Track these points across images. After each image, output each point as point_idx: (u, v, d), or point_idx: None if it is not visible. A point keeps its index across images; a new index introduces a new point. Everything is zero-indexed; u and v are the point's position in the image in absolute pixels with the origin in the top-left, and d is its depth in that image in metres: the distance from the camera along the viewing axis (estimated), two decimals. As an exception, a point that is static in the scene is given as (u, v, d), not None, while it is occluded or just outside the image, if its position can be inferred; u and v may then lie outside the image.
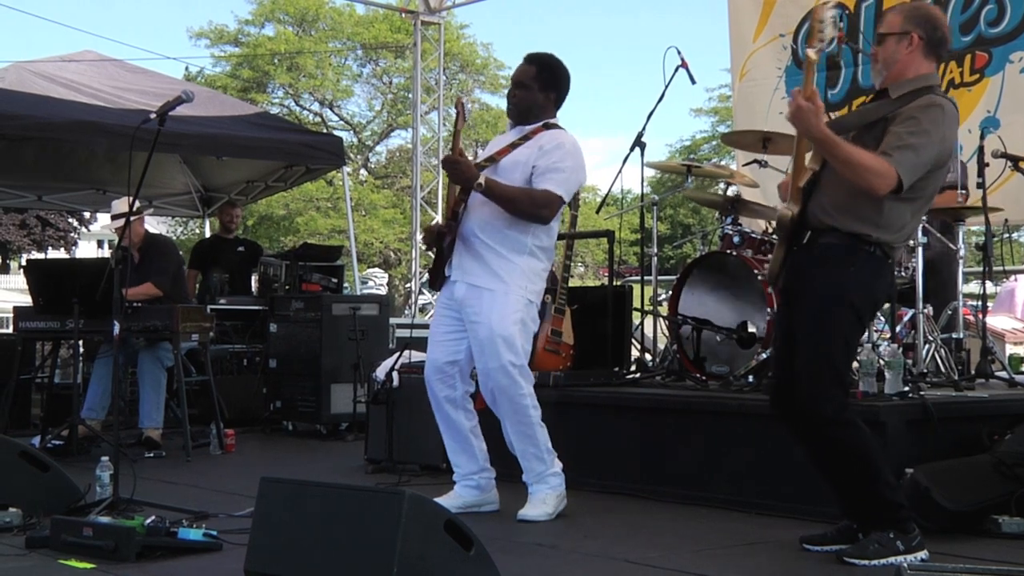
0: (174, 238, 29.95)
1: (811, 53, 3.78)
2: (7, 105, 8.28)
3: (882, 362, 5.00)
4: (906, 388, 4.97)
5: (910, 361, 5.47)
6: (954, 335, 6.09)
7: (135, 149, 5.02)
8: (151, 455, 6.79)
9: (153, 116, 4.87)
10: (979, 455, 4.66)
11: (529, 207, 4.72)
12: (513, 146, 4.81)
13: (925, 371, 5.58)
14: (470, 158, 4.87)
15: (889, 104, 3.97)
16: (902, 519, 3.92)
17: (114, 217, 7.37)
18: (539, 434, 4.81)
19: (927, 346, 5.70)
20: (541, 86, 4.83)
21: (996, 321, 7.51)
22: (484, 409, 4.99)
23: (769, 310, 5.85)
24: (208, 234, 11.59)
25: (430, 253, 5.09)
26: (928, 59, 4.01)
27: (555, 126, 4.86)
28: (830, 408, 3.92)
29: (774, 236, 6.40)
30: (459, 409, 4.91)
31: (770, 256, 6.19)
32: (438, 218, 12.78)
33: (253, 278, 9.69)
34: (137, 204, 7.06)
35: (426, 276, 14.43)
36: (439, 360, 4.89)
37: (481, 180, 4.65)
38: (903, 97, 3.95)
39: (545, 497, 4.79)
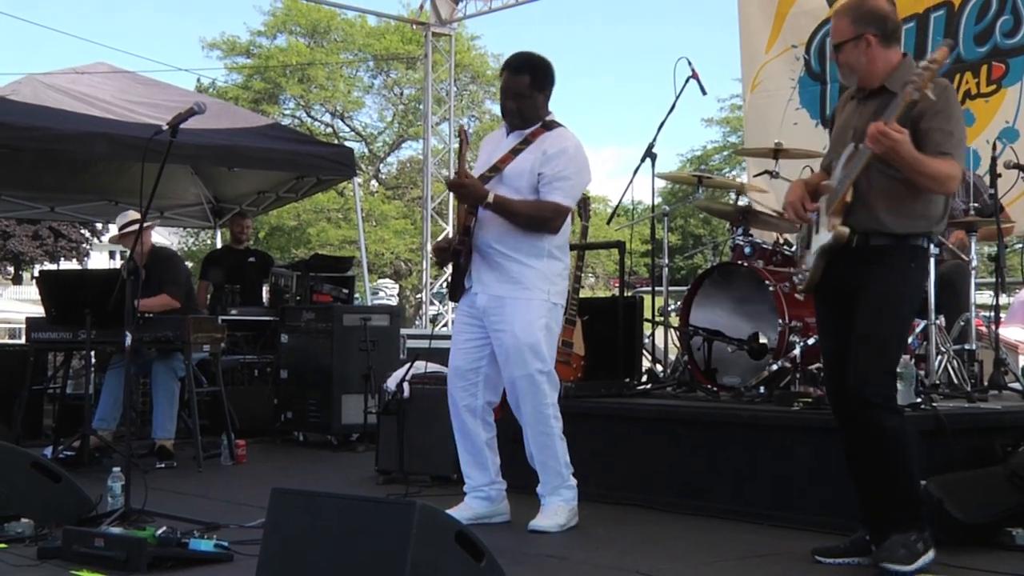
0: (185, 249, 30.08)
1: (909, 91, 3.78)
2: (20, 117, 8.33)
3: (895, 373, 4.98)
4: (918, 399, 4.94)
5: (922, 372, 5.46)
6: (967, 346, 6.07)
7: (147, 160, 5.02)
8: (162, 465, 6.80)
9: (165, 128, 4.89)
10: (992, 467, 4.64)
11: (538, 220, 4.72)
12: (515, 152, 4.79)
13: (938, 382, 5.55)
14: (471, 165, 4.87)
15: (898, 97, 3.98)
16: (922, 518, 3.99)
17: (121, 228, 7.38)
18: (559, 446, 4.80)
19: (939, 357, 5.68)
20: (538, 90, 4.82)
21: (1009, 332, 7.47)
22: (502, 419, 4.99)
23: (780, 321, 5.84)
24: (219, 245, 11.61)
25: (446, 270, 5.09)
26: (891, 48, 4.11)
27: (554, 124, 4.85)
28: (882, 393, 3.99)
29: (786, 247, 6.42)
30: (477, 419, 4.89)
31: (782, 268, 6.22)
32: (448, 230, 12.79)
33: (264, 289, 9.71)
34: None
35: (436, 287, 14.48)
36: (461, 367, 4.88)
37: (490, 198, 4.65)
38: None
39: (557, 509, 4.78)
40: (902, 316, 4.12)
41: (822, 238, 4.11)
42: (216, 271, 9.68)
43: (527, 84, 4.79)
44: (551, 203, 4.70)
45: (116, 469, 4.86)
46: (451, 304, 14.57)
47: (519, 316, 4.69)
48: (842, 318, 4.11)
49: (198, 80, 28.14)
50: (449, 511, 4.48)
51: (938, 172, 3.91)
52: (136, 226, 6.90)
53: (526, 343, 4.68)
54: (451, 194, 13.70)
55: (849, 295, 4.07)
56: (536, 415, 4.75)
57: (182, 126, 4.94)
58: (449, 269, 5.01)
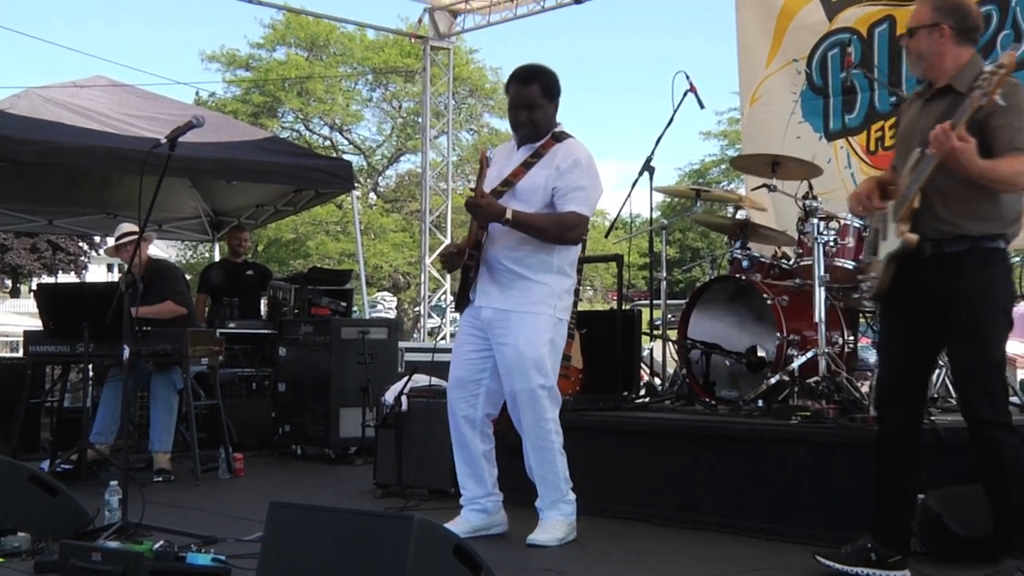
0: (183, 262, 30.07)
1: (977, 96, 3.72)
2: (19, 131, 8.33)
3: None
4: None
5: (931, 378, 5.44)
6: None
7: (146, 173, 5.03)
8: (160, 479, 6.78)
9: (164, 141, 4.89)
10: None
11: (558, 232, 4.72)
12: (527, 165, 4.77)
13: (935, 396, 5.55)
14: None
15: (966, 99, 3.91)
16: None
17: (117, 239, 7.37)
18: (558, 461, 4.79)
19: (937, 370, 5.68)
20: (549, 98, 4.80)
21: (1008, 346, 7.46)
22: (500, 431, 4.99)
23: (778, 334, 5.85)
24: (217, 258, 11.62)
25: (447, 275, 5.11)
26: (963, 46, 4.05)
27: (564, 135, 4.83)
28: (998, 409, 3.92)
29: (784, 261, 6.42)
30: (476, 431, 4.88)
31: (780, 281, 6.22)
32: (447, 241, 12.79)
33: (262, 302, 9.71)
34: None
35: (434, 300, 14.48)
36: (463, 378, 4.87)
37: (508, 215, 4.62)
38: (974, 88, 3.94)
39: (556, 523, 4.77)
40: (998, 323, 3.98)
41: (890, 244, 4.01)
42: (217, 272, 9.70)
43: (538, 93, 4.77)
44: (570, 213, 4.70)
45: (113, 483, 4.85)
46: (449, 317, 14.60)
47: (524, 330, 4.69)
48: (913, 326, 4.05)
49: (197, 93, 28.18)
50: (446, 525, 4.48)
51: (1007, 172, 3.82)
52: (133, 238, 6.92)
53: (530, 357, 4.67)
54: (450, 206, 13.84)
55: (926, 306, 4.00)
56: (536, 429, 4.74)
57: (180, 139, 4.95)
58: (449, 281, 5.01)
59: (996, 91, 3.71)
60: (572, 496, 4.84)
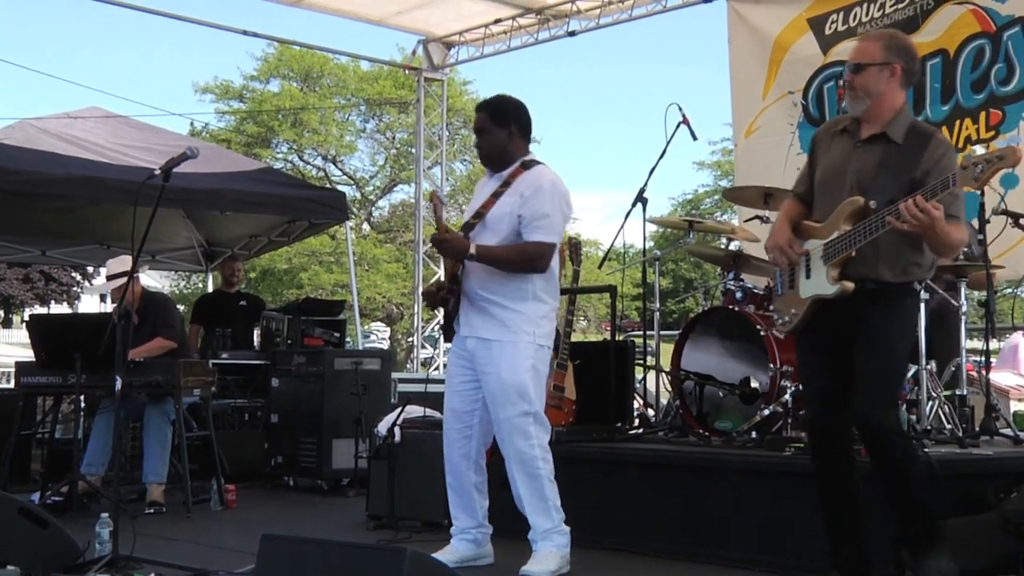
0: (176, 292, 30.04)
1: (971, 181, 3.81)
2: (12, 161, 8.32)
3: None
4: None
5: (913, 417, 5.46)
6: (958, 392, 6.06)
7: (139, 204, 5.03)
8: (151, 511, 6.75)
9: (158, 172, 4.90)
10: (985, 514, 4.62)
11: (523, 263, 4.78)
12: (496, 195, 4.85)
13: (929, 428, 5.55)
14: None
15: (901, 151, 4.04)
16: (940, 532, 4.09)
17: (109, 278, 7.35)
18: (548, 489, 4.79)
19: (931, 403, 5.68)
20: (499, 124, 4.89)
21: (1000, 377, 7.47)
22: (493, 462, 4.98)
23: (772, 366, 5.84)
24: (211, 288, 11.60)
25: (437, 314, 5.18)
26: (903, 90, 4.15)
27: (532, 163, 4.90)
28: (894, 419, 4.12)
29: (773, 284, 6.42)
30: (470, 462, 4.93)
31: (772, 313, 6.22)
32: (440, 274, 12.78)
33: (255, 332, 9.69)
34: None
35: (428, 331, 14.45)
36: (458, 409, 4.92)
37: (472, 250, 4.72)
38: (910, 140, 4.05)
39: (549, 554, 4.76)
40: (900, 350, 4.20)
41: (818, 287, 4.13)
42: (209, 302, 9.66)
43: (485, 119, 4.91)
44: (533, 243, 4.76)
45: (104, 515, 4.83)
46: (443, 348, 14.56)
47: (505, 358, 4.73)
48: (835, 356, 4.17)
49: (191, 124, 28.25)
50: (435, 554, 4.48)
51: (957, 239, 4.01)
52: (122, 281, 6.90)
53: (512, 384, 4.71)
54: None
55: (843, 335, 4.13)
56: (522, 456, 4.75)
57: (174, 170, 4.96)
58: (442, 312, 5.05)
59: (988, 180, 3.79)
60: (566, 528, 4.83)
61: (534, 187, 4.78)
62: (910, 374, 5.62)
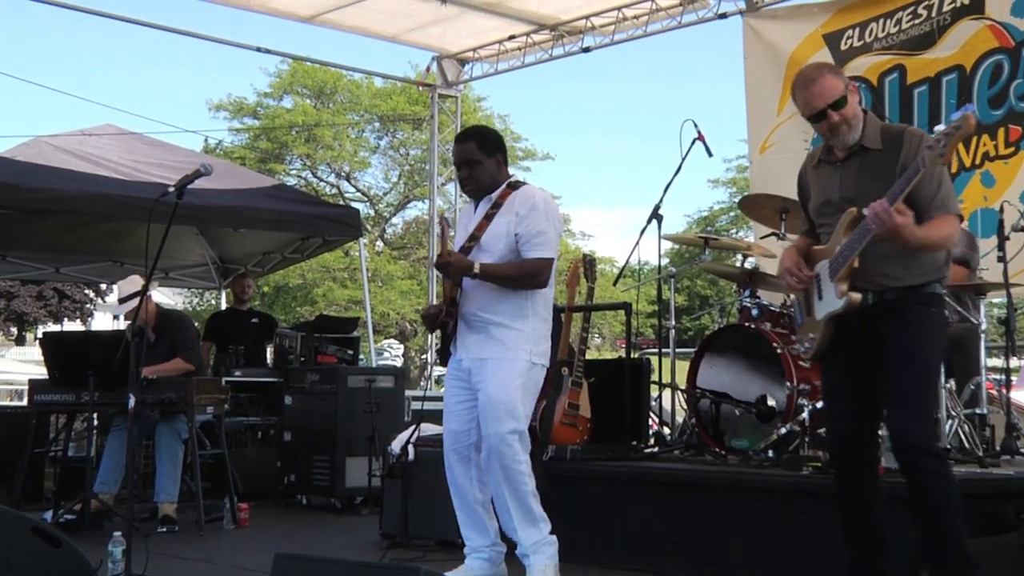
0: (190, 309, 30.12)
1: (929, 157, 3.78)
2: (26, 179, 8.37)
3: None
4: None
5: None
6: (978, 411, 6.04)
7: (153, 222, 5.05)
8: (164, 530, 6.75)
9: (172, 189, 4.92)
10: (1006, 534, 4.59)
11: (524, 278, 4.87)
12: (488, 217, 4.94)
13: (948, 447, 5.52)
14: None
15: (881, 156, 4.08)
16: (970, 561, 3.98)
17: (121, 300, 7.35)
18: (532, 502, 4.81)
19: (950, 422, 5.65)
20: (488, 153, 4.97)
21: (1020, 396, 7.44)
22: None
23: (789, 384, 5.83)
24: (224, 306, 11.63)
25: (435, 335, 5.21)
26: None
27: (518, 183, 5.02)
28: (931, 438, 4.06)
29: (791, 309, 6.41)
30: (473, 481, 4.95)
31: (790, 330, 6.20)
32: (431, 298, 12.79)
33: (268, 350, 9.71)
34: (143, 282, 7.11)
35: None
36: (456, 429, 4.96)
37: (476, 269, 4.81)
38: (887, 142, 4.10)
39: (544, 568, 4.76)
40: (933, 365, 4.15)
41: (829, 305, 4.13)
42: (222, 320, 9.68)
43: (473, 149, 4.96)
44: (533, 259, 4.86)
45: (117, 533, 4.83)
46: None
47: (499, 375, 4.79)
48: (860, 377, 4.13)
49: (205, 140, 28.37)
50: (448, 573, 4.47)
51: (939, 236, 4.00)
52: (134, 303, 6.92)
53: (500, 401, 4.76)
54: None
55: (869, 352, 4.09)
56: (507, 473, 4.77)
57: (188, 187, 4.98)
58: (437, 335, 5.12)
59: (952, 153, 3.78)
60: (553, 537, 4.83)
61: (528, 206, 4.89)
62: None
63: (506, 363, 4.80)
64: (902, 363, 4.01)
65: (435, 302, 5.10)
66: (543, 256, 4.86)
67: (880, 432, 4.31)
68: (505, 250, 4.88)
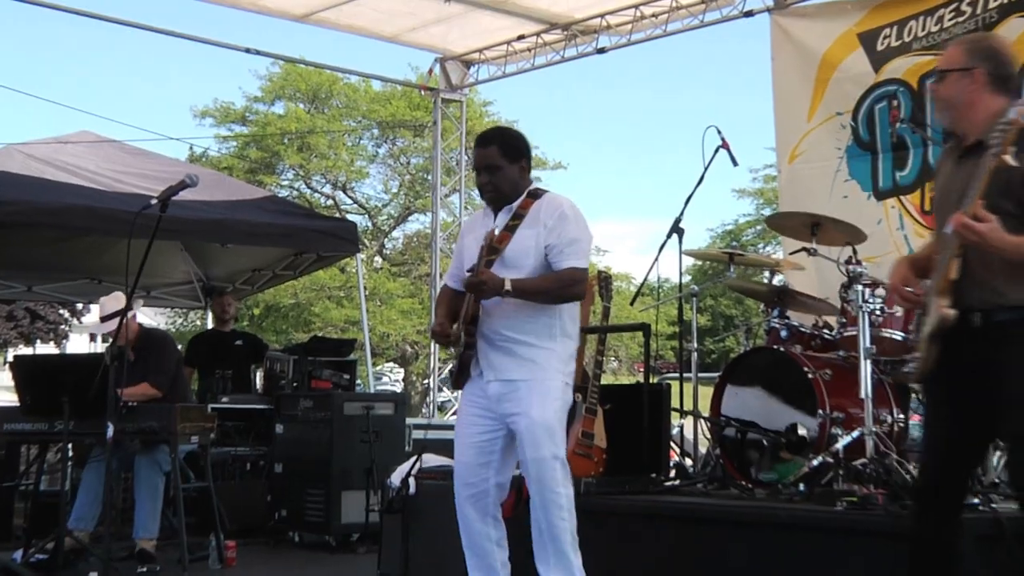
0: (174, 330, 30.15)
1: (989, 158, 3.65)
2: (-2, 189, 8.39)
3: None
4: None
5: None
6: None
7: (134, 236, 5.07)
8: (144, 569, 6.74)
9: (155, 201, 4.95)
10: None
11: (559, 291, 4.83)
12: (511, 229, 4.89)
13: (997, 480, 5.50)
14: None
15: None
16: None
17: (103, 319, 7.37)
18: (569, 549, 4.70)
19: (997, 452, 5.63)
20: (512, 159, 4.94)
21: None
22: (510, 517, 4.95)
23: (821, 411, 5.81)
24: (211, 326, 11.63)
25: (452, 353, 5.14)
26: (998, 95, 3.95)
27: (540, 192, 4.98)
28: None
29: (825, 331, 6.41)
30: (488, 518, 4.88)
31: (822, 353, 6.20)
32: (432, 318, 12.77)
33: (258, 374, 9.71)
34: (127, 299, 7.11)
35: (444, 373, 14.46)
36: (471, 462, 4.89)
37: (508, 286, 4.73)
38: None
39: None
40: None
41: (929, 322, 3.93)
42: (203, 343, 9.67)
43: (496, 154, 4.92)
44: (567, 270, 4.82)
45: (93, 574, 4.83)
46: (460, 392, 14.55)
47: (536, 398, 4.73)
48: (961, 408, 3.94)
49: (190, 149, 28.45)
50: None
51: None
52: (112, 323, 6.93)
53: (542, 425, 4.70)
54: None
55: (975, 382, 3.87)
56: (545, 501, 4.71)
57: (172, 199, 5.00)
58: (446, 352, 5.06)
59: (1008, 149, 3.66)
60: None
61: (556, 214, 4.86)
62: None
63: (541, 384, 4.75)
64: (1019, 409, 3.77)
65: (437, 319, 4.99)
66: (578, 265, 4.83)
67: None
68: (535, 264, 4.83)
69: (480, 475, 4.88)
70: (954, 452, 4.00)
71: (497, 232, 4.89)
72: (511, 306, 4.80)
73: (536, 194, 4.96)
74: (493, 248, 4.86)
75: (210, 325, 11.83)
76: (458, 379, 4.99)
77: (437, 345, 13.98)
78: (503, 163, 4.92)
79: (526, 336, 4.81)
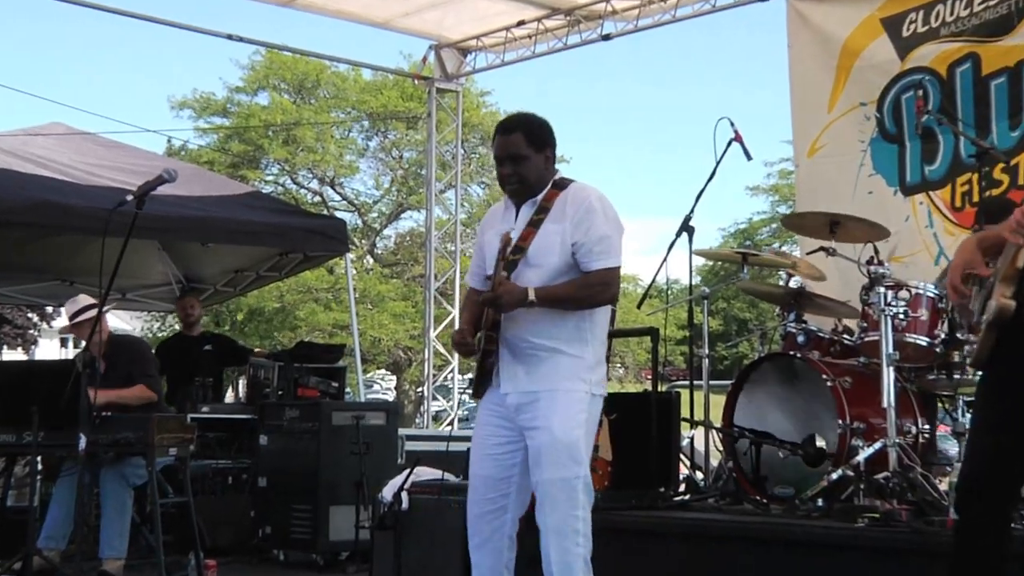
0: (150, 335, 30.16)
1: None
2: (-37, 184, 8.38)
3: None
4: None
5: None
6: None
7: (109, 235, 5.07)
8: (115, 590, 6.75)
9: (130, 198, 4.95)
10: None
11: (589, 296, 4.73)
12: (535, 224, 4.77)
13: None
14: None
15: None
16: None
17: (71, 318, 7.36)
18: (579, 567, 4.70)
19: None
20: (537, 148, 4.81)
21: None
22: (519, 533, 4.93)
23: (840, 422, 5.82)
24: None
25: (451, 360, 5.10)
26: None
27: (566, 181, 4.85)
28: None
29: (845, 336, 6.41)
30: (503, 537, 4.79)
31: (841, 359, 6.20)
32: (454, 313, 12.81)
33: (240, 382, 9.69)
34: (91, 300, 7.10)
35: (439, 380, 14.48)
36: (490, 476, 4.78)
37: (532, 296, 4.63)
38: None
39: None
40: None
41: (989, 309, 3.89)
42: (169, 349, 9.65)
43: (522, 143, 4.78)
44: (598, 271, 4.70)
45: (64, 595, 4.83)
46: (456, 400, 14.58)
47: (558, 411, 4.63)
48: (1010, 410, 3.86)
49: (168, 142, 28.44)
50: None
51: None
52: (90, 315, 6.93)
53: (563, 442, 4.61)
54: (458, 271, 13.86)
55: None
56: (561, 528, 4.67)
57: (150, 195, 5.00)
58: (457, 359, 5.02)
59: None
60: None
61: (583, 208, 4.73)
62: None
63: (564, 396, 4.64)
64: None
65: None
66: (609, 266, 4.71)
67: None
68: (560, 264, 4.71)
69: (501, 490, 4.77)
70: (999, 456, 3.92)
71: (519, 230, 4.78)
72: (537, 310, 4.68)
73: (562, 184, 4.83)
74: (517, 247, 4.75)
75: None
76: (478, 388, 4.88)
77: (431, 351, 14.03)
78: (529, 152, 4.77)
79: (554, 342, 4.69)
